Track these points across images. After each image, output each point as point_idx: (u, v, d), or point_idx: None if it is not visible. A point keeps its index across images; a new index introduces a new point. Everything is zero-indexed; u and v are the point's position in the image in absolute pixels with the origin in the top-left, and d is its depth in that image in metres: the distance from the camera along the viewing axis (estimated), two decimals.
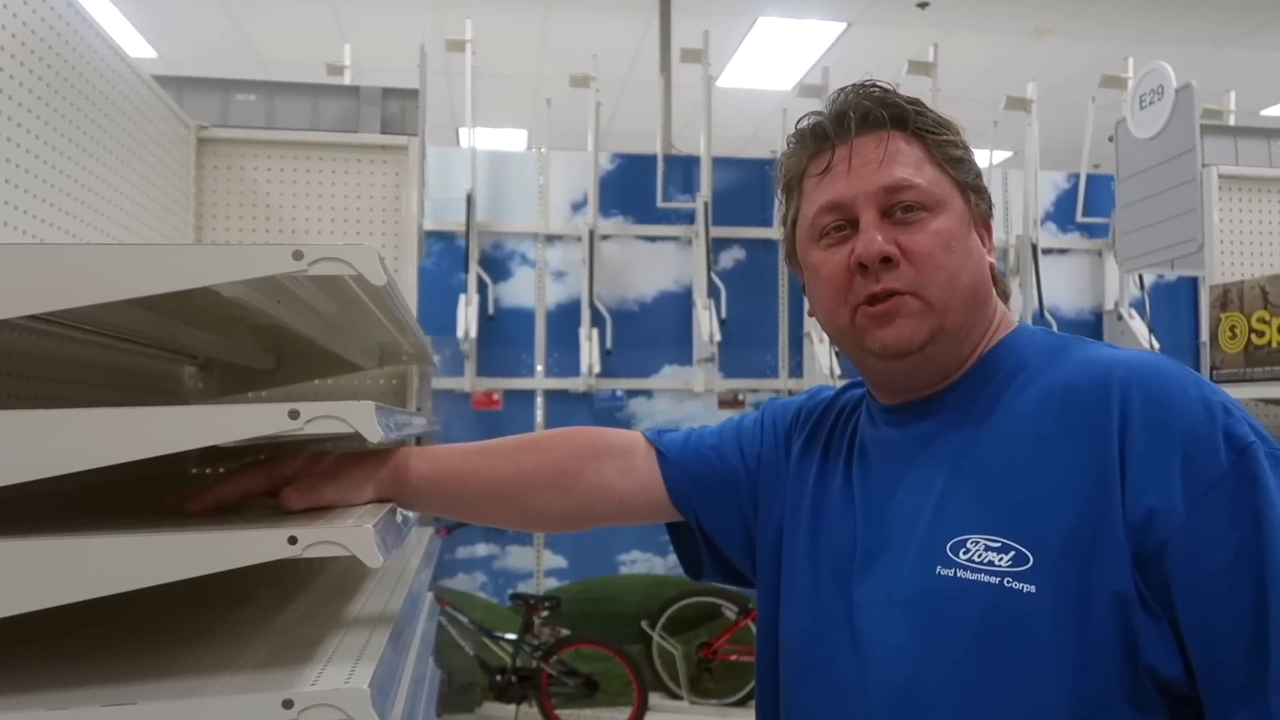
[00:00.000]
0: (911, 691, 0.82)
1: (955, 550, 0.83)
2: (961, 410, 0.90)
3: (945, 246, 0.88)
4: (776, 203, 1.02)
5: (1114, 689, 0.76)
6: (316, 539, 0.71)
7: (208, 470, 1.45)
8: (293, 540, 0.70)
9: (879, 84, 0.93)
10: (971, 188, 0.93)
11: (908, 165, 0.89)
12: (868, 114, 0.90)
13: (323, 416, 0.73)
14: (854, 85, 0.94)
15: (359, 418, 0.75)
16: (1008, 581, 0.79)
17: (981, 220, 0.94)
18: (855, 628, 0.88)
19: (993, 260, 0.94)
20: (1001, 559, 0.80)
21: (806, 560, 0.97)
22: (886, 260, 0.87)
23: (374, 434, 0.75)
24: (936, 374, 0.92)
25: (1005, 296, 0.98)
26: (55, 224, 1.34)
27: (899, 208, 0.88)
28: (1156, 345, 4.32)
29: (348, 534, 0.73)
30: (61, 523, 0.79)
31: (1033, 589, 0.78)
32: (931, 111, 0.93)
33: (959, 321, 0.89)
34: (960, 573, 0.81)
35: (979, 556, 0.81)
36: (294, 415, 0.72)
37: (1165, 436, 0.78)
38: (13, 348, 1.12)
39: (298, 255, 0.72)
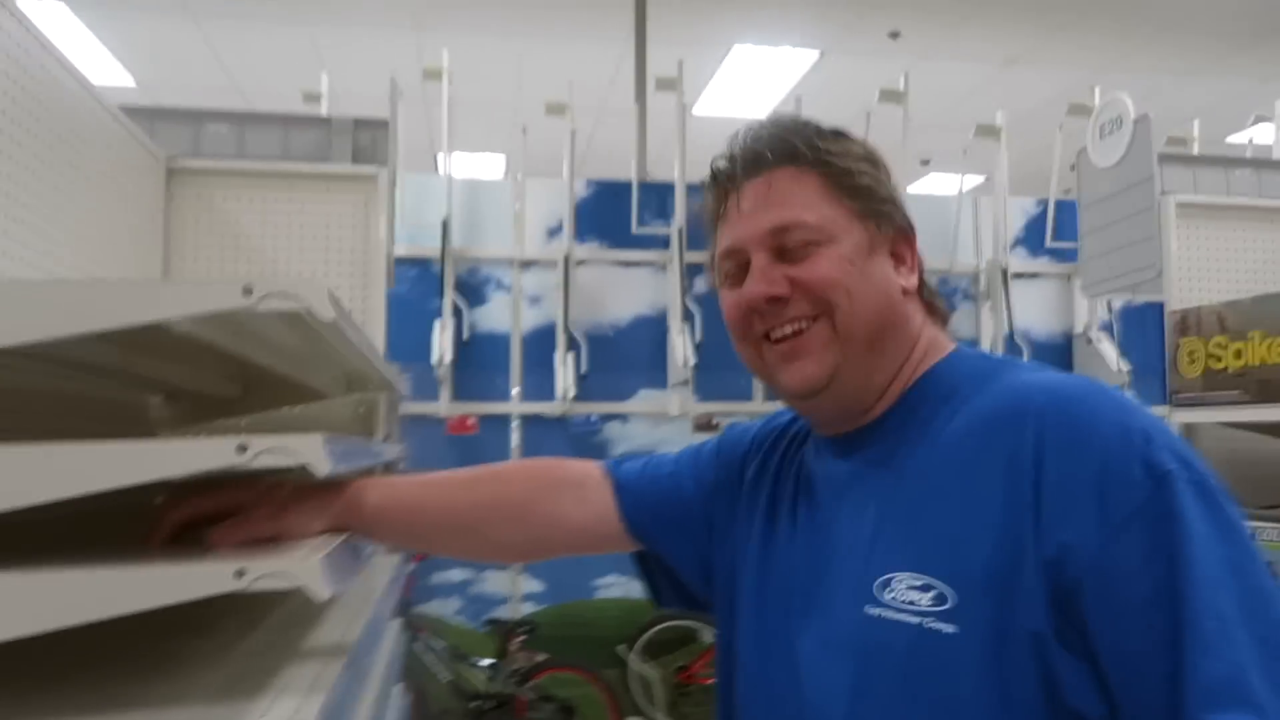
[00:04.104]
0: None
1: (881, 589, 0.81)
2: (893, 441, 0.88)
3: (840, 272, 0.86)
4: None
5: None
6: (264, 571, 0.71)
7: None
8: (240, 573, 0.70)
9: (769, 121, 0.92)
10: (875, 213, 0.90)
11: (794, 205, 0.87)
12: (756, 156, 0.89)
13: (271, 450, 0.74)
14: (751, 124, 0.92)
15: (307, 451, 0.75)
16: (928, 622, 0.77)
17: (892, 243, 0.91)
18: (796, 665, 0.87)
19: (908, 283, 0.91)
20: (923, 598, 0.77)
21: (754, 594, 0.96)
22: (777, 300, 0.87)
23: (322, 467, 0.76)
24: (855, 406, 0.91)
25: (944, 319, 0.95)
26: (17, 257, 1.34)
27: (790, 245, 0.87)
28: (1126, 367, 4.37)
29: (296, 566, 0.73)
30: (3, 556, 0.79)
31: (953, 629, 0.76)
32: (831, 140, 0.90)
33: (864, 348, 0.87)
34: (885, 613, 0.80)
35: (902, 596, 0.79)
36: (242, 449, 0.72)
37: (1080, 467, 0.74)
38: None
39: (247, 291, 0.73)
